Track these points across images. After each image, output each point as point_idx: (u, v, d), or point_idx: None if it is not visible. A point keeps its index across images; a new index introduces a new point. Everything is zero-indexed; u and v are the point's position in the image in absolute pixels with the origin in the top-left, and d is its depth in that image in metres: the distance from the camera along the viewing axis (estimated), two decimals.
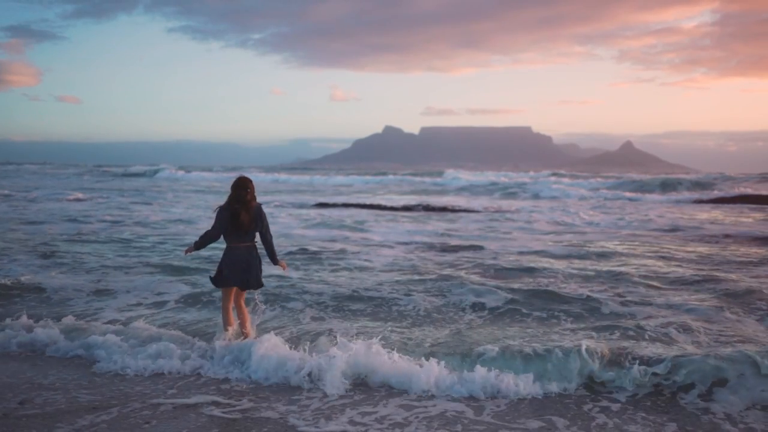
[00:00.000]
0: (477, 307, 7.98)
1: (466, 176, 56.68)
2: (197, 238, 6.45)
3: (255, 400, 5.19)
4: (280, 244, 13.07)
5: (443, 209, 25.37)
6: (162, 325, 7.16)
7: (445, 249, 13.25)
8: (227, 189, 6.73)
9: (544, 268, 10.47)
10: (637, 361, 5.58)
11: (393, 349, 5.99)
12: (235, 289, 6.38)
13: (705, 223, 19.12)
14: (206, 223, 18.20)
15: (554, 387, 5.40)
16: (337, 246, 13.40)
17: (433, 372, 5.45)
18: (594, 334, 6.74)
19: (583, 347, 5.72)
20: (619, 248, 13.31)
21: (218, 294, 7.66)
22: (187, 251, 6.54)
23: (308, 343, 6.12)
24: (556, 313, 7.66)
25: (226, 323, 6.41)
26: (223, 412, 4.92)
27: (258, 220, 6.31)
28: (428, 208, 25.76)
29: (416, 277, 9.83)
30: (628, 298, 8.39)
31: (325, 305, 8.05)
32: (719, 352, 5.68)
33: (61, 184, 45.05)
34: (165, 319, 7.50)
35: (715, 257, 12.08)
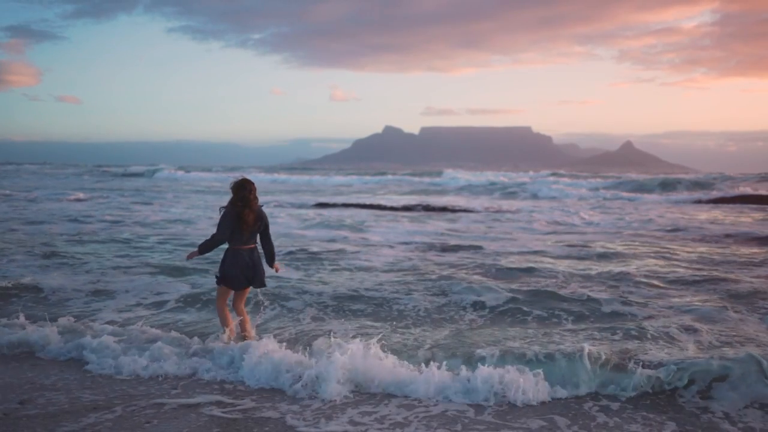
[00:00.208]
0: (477, 307, 7.97)
1: (465, 176, 56.67)
2: (201, 243, 6.29)
3: (256, 399, 5.18)
4: (280, 244, 13.06)
5: (443, 209, 25.36)
6: (161, 325, 7.13)
7: (445, 249, 13.24)
8: (226, 189, 6.70)
9: (545, 269, 10.46)
10: (640, 365, 5.46)
11: (392, 352, 5.96)
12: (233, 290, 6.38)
13: (705, 223, 19.12)
14: (206, 223, 18.20)
15: (557, 394, 5.28)
16: (337, 246, 13.39)
17: (433, 380, 5.31)
18: (595, 335, 6.72)
19: (585, 351, 5.61)
20: (620, 248, 13.30)
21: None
22: (189, 256, 6.37)
23: (307, 348, 6.04)
24: (556, 314, 7.65)
25: (225, 322, 6.41)
26: (224, 412, 4.91)
27: (260, 222, 6.31)
28: (428, 208, 25.76)
29: (416, 277, 9.82)
30: (629, 299, 8.38)
31: (325, 305, 8.04)
32: (724, 355, 5.64)
33: (60, 184, 45.05)
34: (164, 320, 7.48)
35: (716, 257, 12.08)
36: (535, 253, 12.57)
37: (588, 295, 8.47)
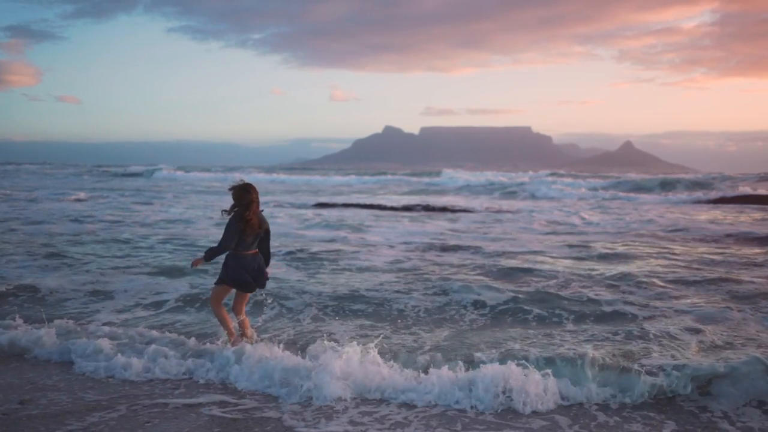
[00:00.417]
0: (477, 307, 7.94)
1: (464, 176, 56.65)
2: (207, 250, 6.11)
3: (257, 399, 5.17)
4: (280, 244, 13.05)
5: (443, 209, 25.35)
6: (160, 326, 7.11)
7: (445, 249, 13.23)
8: (225, 189, 6.65)
9: (545, 269, 10.45)
10: (644, 371, 5.31)
11: (392, 354, 5.95)
12: (234, 292, 6.35)
13: (705, 223, 19.11)
14: (206, 223, 18.20)
15: (561, 402, 5.14)
16: (337, 246, 13.39)
17: (433, 389, 5.17)
18: (597, 336, 6.70)
19: (588, 358, 5.48)
20: (620, 248, 13.29)
21: None
22: (195, 264, 6.17)
23: (305, 352, 5.90)
24: (557, 314, 7.62)
25: (225, 324, 6.37)
26: (224, 412, 4.90)
27: (264, 227, 6.29)
28: (428, 208, 25.75)
29: (416, 278, 9.81)
30: (630, 299, 8.36)
31: (325, 305, 8.01)
32: (727, 357, 5.60)
33: (60, 184, 45.03)
34: (163, 321, 7.45)
35: (716, 257, 12.06)
36: (536, 253, 12.56)
37: (589, 296, 8.46)
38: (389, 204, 27.49)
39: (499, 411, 4.93)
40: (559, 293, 8.58)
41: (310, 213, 22.87)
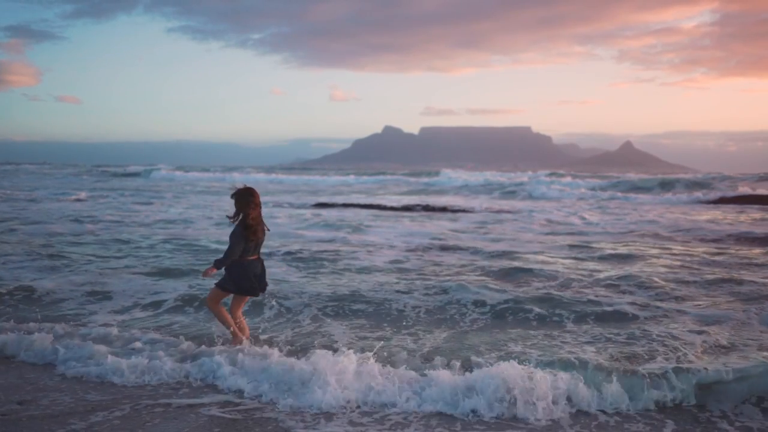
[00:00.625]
0: (477, 308, 7.87)
1: (464, 176, 56.61)
2: (217, 260, 6.03)
3: (257, 399, 5.14)
4: (279, 244, 13.02)
5: (443, 209, 25.34)
6: (157, 327, 7.06)
7: (445, 249, 13.21)
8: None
9: (545, 269, 10.41)
10: (649, 380, 5.15)
11: (391, 356, 5.90)
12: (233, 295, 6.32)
13: (706, 223, 19.09)
14: (206, 223, 18.18)
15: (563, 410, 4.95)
16: (337, 246, 13.36)
17: (432, 397, 5.04)
18: (598, 337, 6.65)
19: (591, 365, 5.33)
20: (621, 249, 13.27)
21: None
22: (206, 274, 6.06)
23: (302, 362, 5.64)
24: (558, 315, 7.55)
25: (227, 323, 6.33)
26: (224, 412, 4.89)
27: (265, 231, 6.27)
28: (428, 208, 25.74)
29: (416, 278, 9.78)
30: (632, 300, 8.32)
31: (324, 306, 7.97)
32: (735, 364, 5.47)
33: (59, 184, 45.01)
34: (161, 322, 7.41)
35: (717, 258, 12.03)
36: (536, 253, 12.53)
37: (590, 296, 8.41)
38: (389, 204, 27.47)
39: (501, 417, 4.81)
40: (560, 294, 8.53)
41: (309, 213, 22.85)
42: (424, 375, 5.32)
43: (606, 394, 5.05)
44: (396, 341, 6.57)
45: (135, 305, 8.14)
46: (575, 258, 12.03)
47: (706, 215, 22.64)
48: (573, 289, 8.99)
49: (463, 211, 24.69)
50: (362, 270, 10.56)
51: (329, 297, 8.36)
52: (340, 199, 30.84)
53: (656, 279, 9.64)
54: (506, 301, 8.08)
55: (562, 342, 6.51)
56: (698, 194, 32.89)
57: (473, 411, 4.88)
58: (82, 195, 31.28)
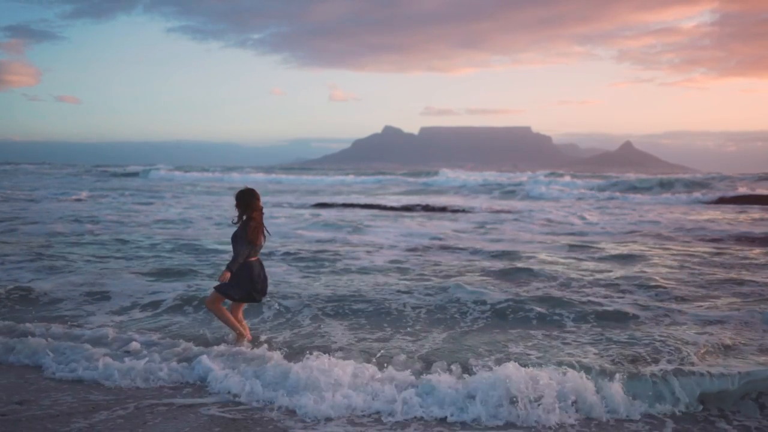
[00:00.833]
0: (477, 309, 7.84)
1: (463, 176, 56.59)
2: (229, 265, 5.99)
3: (258, 398, 5.15)
4: (279, 245, 13.02)
5: (443, 209, 25.33)
6: (155, 329, 7.01)
7: (445, 249, 13.20)
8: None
9: (546, 270, 10.38)
10: (652, 388, 5.07)
11: (390, 358, 5.89)
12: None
13: (706, 223, 19.08)
14: (206, 224, 18.17)
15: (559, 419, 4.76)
16: (337, 246, 13.35)
17: (432, 406, 4.90)
18: (601, 340, 6.61)
19: (596, 371, 5.20)
20: (621, 249, 13.26)
21: None
22: (224, 279, 5.98)
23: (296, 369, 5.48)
24: (559, 316, 7.50)
25: (230, 323, 6.31)
26: (224, 412, 4.88)
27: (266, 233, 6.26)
28: (428, 208, 25.73)
29: (416, 278, 9.77)
30: (632, 300, 8.29)
31: (324, 306, 7.93)
32: (739, 369, 5.37)
33: (58, 184, 44.97)
34: (159, 323, 7.38)
35: (718, 258, 12.00)
36: (536, 253, 12.51)
37: (590, 297, 8.38)
38: (389, 204, 27.47)
39: (502, 423, 4.69)
40: (560, 294, 8.51)
41: (309, 213, 22.85)
42: (424, 381, 5.12)
43: (611, 404, 4.89)
44: (395, 342, 6.54)
45: (134, 306, 8.11)
46: (575, 258, 12.01)
47: (705, 215, 22.63)
48: (573, 289, 8.97)
49: (463, 211, 24.67)
50: (362, 270, 10.54)
51: (329, 297, 8.33)
52: (339, 199, 30.83)
53: (657, 279, 9.62)
54: (506, 302, 8.04)
55: (562, 343, 6.48)
56: (698, 194, 32.89)
57: (475, 419, 4.73)
58: (83, 195, 31.28)
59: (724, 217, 21.58)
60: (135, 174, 68.37)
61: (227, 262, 6.15)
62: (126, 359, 5.76)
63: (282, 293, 8.43)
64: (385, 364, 5.54)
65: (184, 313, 7.79)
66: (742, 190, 34.04)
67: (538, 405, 4.78)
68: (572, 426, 4.70)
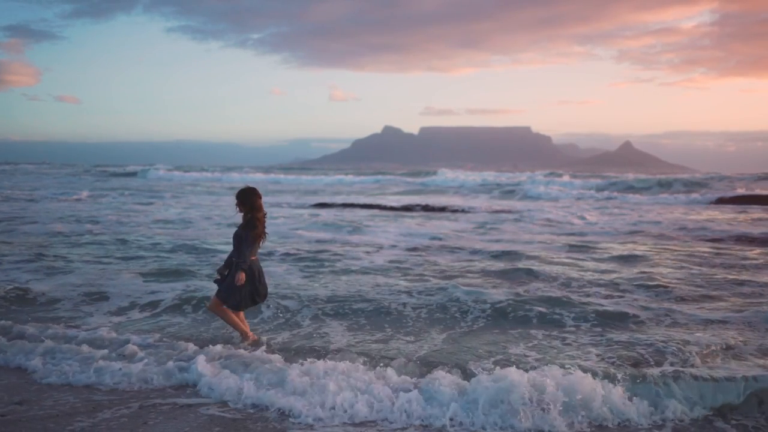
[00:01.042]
0: (477, 309, 7.80)
1: (462, 176, 56.56)
2: (242, 266, 5.94)
3: (253, 404, 5.14)
4: (279, 245, 12.99)
5: (443, 209, 25.31)
6: (153, 330, 6.97)
7: (445, 249, 13.19)
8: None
9: (546, 270, 10.36)
10: (658, 388, 5.00)
11: (389, 359, 5.87)
12: None
13: (706, 223, 19.07)
14: (205, 224, 18.15)
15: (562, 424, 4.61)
16: (336, 246, 13.33)
17: (432, 414, 4.77)
18: (602, 341, 6.59)
19: (598, 385, 4.95)
20: (621, 249, 13.24)
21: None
22: (240, 280, 5.95)
23: (300, 362, 5.50)
24: (560, 316, 7.47)
25: (234, 323, 6.29)
26: (224, 412, 4.87)
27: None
28: (428, 209, 25.71)
29: (416, 279, 9.75)
30: (633, 301, 8.27)
31: (323, 307, 7.91)
32: (736, 371, 5.38)
33: (58, 184, 44.94)
34: (157, 324, 7.35)
35: (718, 258, 11.97)
36: (536, 253, 12.48)
37: (591, 297, 8.36)
38: (389, 204, 27.45)
39: (502, 428, 4.59)
40: (561, 294, 8.48)
41: (309, 213, 22.84)
42: (424, 387, 5.00)
43: (615, 409, 4.77)
44: (395, 343, 6.52)
45: (132, 306, 8.08)
46: (575, 258, 12.00)
47: (705, 215, 22.62)
48: (573, 290, 8.95)
49: (463, 211, 24.66)
50: (362, 270, 10.52)
51: (328, 297, 8.31)
52: (339, 199, 30.81)
53: (657, 279, 9.61)
54: (506, 302, 8.01)
55: (563, 344, 6.46)
56: (697, 194, 32.90)
57: (476, 427, 4.61)
58: (83, 195, 31.28)
59: (723, 217, 21.57)
60: (133, 174, 68.07)
61: (221, 265, 6.13)
62: (121, 363, 5.66)
63: (281, 293, 8.41)
64: (384, 367, 5.47)
65: (183, 314, 7.76)
66: (741, 190, 34.03)
67: (541, 411, 4.66)
68: (571, 427, 4.68)
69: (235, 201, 6.13)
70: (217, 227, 17.23)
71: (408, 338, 6.72)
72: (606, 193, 36.16)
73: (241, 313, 6.48)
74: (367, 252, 12.60)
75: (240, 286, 5.98)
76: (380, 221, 19.59)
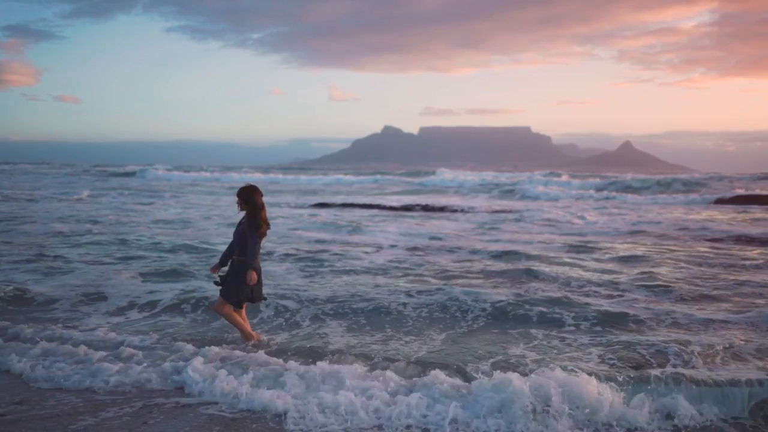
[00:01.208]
0: (477, 309, 7.78)
1: (462, 176, 56.54)
2: (251, 265, 5.92)
3: (248, 407, 5.11)
4: (278, 245, 12.98)
5: (442, 209, 25.30)
6: (151, 330, 6.94)
7: (445, 249, 13.18)
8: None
9: (546, 270, 10.34)
10: (658, 389, 4.92)
11: (388, 360, 5.86)
12: None
13: (706, 223, 19.06)
14: (205, 224, 18.14)
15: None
16: (336, 246, 13.31)
17: (433, 422, 4.65)
18: (602, 341, 6.57)
19: (601, 382, 4.90)
20: (621, 249, 13.23)
21: (214, 296, 7.58)
22: (252, 280, 5.93)
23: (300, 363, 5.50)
24: (560, 317, 7.45)
25: (239, 324, 6.28)
26: (223, 411, 4.86)
27: None
28: (427, 208, 25.70)
29: (415, 279, 9.73)
30: (633, 301, 8.25)
31: (323, 307, 7.89)
32: (741, 375, 5.26)
33: (57, 184, 44.91)
34: (156, 324, 7.33)
35: (718, 258, 11.95)
36: (536, 253, 12.46)
37: (591, 297, 8.34)
38: (388, 204, 27.44)
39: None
40: (561, 295, 8.46)
41: (308, 213, 22.83)
42: (424, 390, 4.93)
43: (618, 412, 4.67)
44: (395, 344, 6.50)
45: (131, 306, 8.06)
46: (575, 258, 11.98)
47: (705, 215, 22.61)
48: (573, 290, 8.93)
49: (463, 211, 24.65)
50: (362, 270, 10.51)
51: (328, 297, 8.29)
52: (339, 199, 30.80)
53: (657, 279, 9.60)
54: (506, 302, 7.99)
55: (563, 344, 6.44)
56: (696, 195, 32.90)
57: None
58: (84, 194, 31.26)
59: (723, 218, 21.56)
60: (131, 174, 67.86)
61: (215, 263, 6.12)
62: (116, 366, 5.58)
63: (281, 293, 8.39)
64: (384, 369, 5.42)
65: (182, 314, 7.75)
66: (740, 190, 34.02)
67: (543, 414, 4.57)
68: (570, 428, 4.66)
69: (237, 199, 6.11)
70: (216, 227, 17.21)
71: (408, 338, 6.71)
72: (605, 193, 36.15)
73: (243, 313, 6.46)
74: (367, 252, 12.58)
75: (252, 284, 5.98)
76: (380, 221, 19.57)
